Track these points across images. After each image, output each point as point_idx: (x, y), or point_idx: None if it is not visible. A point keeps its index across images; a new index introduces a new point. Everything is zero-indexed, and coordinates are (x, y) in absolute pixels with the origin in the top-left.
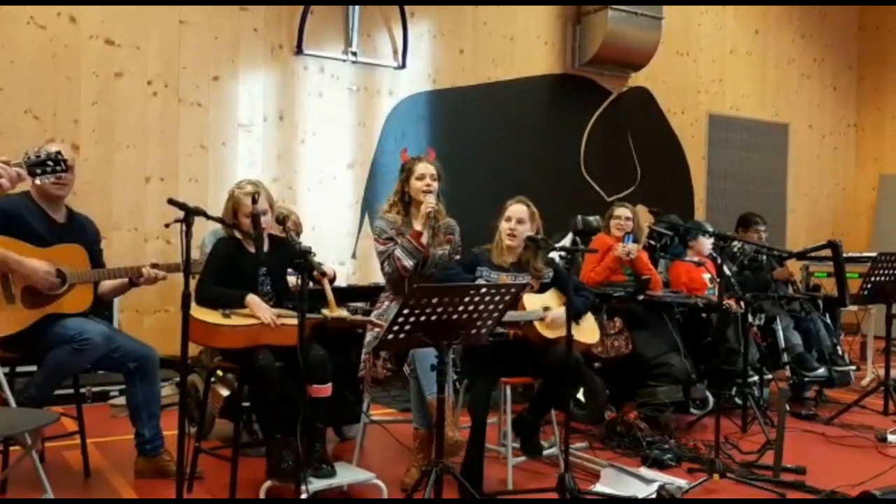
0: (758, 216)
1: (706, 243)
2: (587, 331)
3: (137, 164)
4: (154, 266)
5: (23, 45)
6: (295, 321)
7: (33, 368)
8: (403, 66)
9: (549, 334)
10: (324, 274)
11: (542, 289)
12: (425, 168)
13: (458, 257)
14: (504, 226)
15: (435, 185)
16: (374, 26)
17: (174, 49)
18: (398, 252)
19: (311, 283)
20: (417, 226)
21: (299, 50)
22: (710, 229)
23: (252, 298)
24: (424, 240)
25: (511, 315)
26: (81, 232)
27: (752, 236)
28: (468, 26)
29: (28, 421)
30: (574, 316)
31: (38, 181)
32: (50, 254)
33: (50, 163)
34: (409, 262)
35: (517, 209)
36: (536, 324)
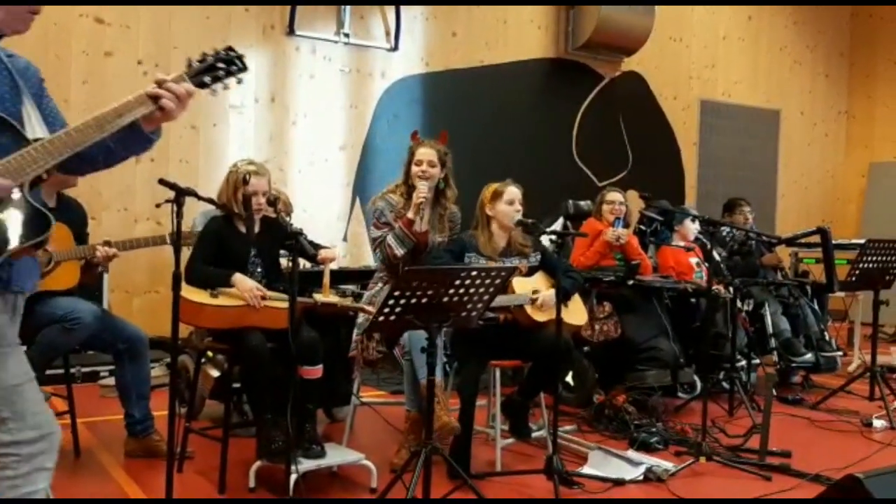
0: (742, 199)
1: (692, 228)
2: (575, 312)
3: None
4: (106, 244)
5: None
6: (281, 304)
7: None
8: (396, 48)
9: (539, 317)
10: (323, 259)
11: (530, 272)
12: (424, 153)
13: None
14: (509, 209)
15: (432, 171)
16: (367, 7)
17: (165, 29)
18: (390, 239)
19: (312, 265)
20: (410, 213)
21: (291, 31)
22: (695, 213)
23: (238, 277)
24: (419, 227)
25: (501, 300)
26: (68, 214)
27: (738, 218)
28: (461, 8)
29: None
30: (563, 297)
31: (208, 91)
32: None
33: (222, 65)
34: (399, 251)
35: (516, 191)
36: (526, 306)
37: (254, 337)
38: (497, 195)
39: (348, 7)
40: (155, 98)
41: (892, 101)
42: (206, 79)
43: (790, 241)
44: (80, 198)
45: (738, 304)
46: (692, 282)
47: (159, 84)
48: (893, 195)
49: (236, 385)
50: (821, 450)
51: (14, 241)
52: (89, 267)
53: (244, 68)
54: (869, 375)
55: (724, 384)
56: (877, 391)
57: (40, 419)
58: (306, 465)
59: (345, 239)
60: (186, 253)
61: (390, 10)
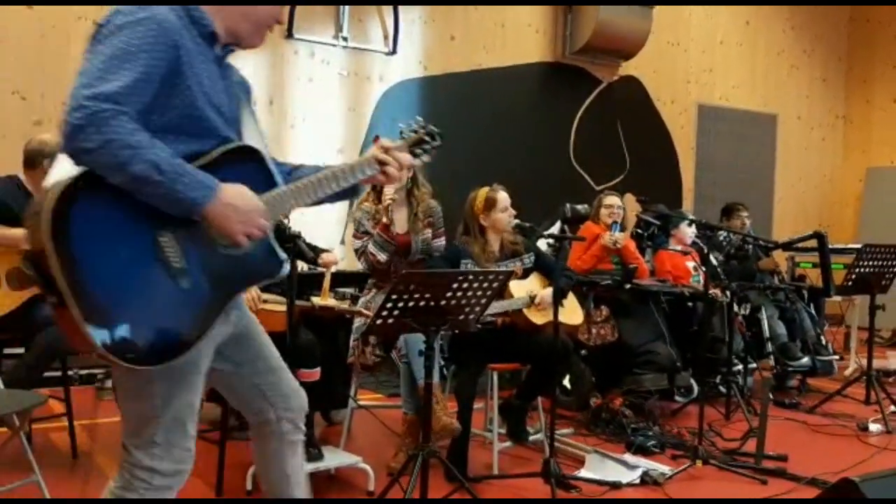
0: (740, 204)
1: (689, 232)
2: (571, 312)
3: None
4: None
5: (10, 25)
6: (278, 307)
7: (21, 350)
8: (394, 51)
9: (537, 319)
10: (326, 263)
11: (525, 274)
12: None
13: (440, 241)
14: (503, 216)
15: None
16: (365, 11)
17: None
18: (371, 247)
19: (310, 268)
20: (383, 218)
21: (290, 34)
22: (692, 217)
23: None
24: (399, 229)
25: (500, 305)
26: None
27: (736, 223)
28: (459, 12)
29: (16, 402)
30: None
31: (417, 161)
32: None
33: (428, 138)
34: (382, 256)
35: (506, 196)
36: (525, 309)
37: None
38: (490, 204)
39: (346, 9)
40: (382, 163)
41: (890, 106)
42: (418, 150)
43: (787, 246)
44: None
45: (735, 308)
46: (689, 286)
47: (386, 150)
48: (890, 200)
49: None
50: (817, 453)
51: (253, 277)
52: None
53: (440, 145)
54: (865, 379)
55: (721, 388)
56: (873, 395)
57: (184, 454)
58: (304, 467)
59: (342, 242)
60: None
61: (388, 13)
